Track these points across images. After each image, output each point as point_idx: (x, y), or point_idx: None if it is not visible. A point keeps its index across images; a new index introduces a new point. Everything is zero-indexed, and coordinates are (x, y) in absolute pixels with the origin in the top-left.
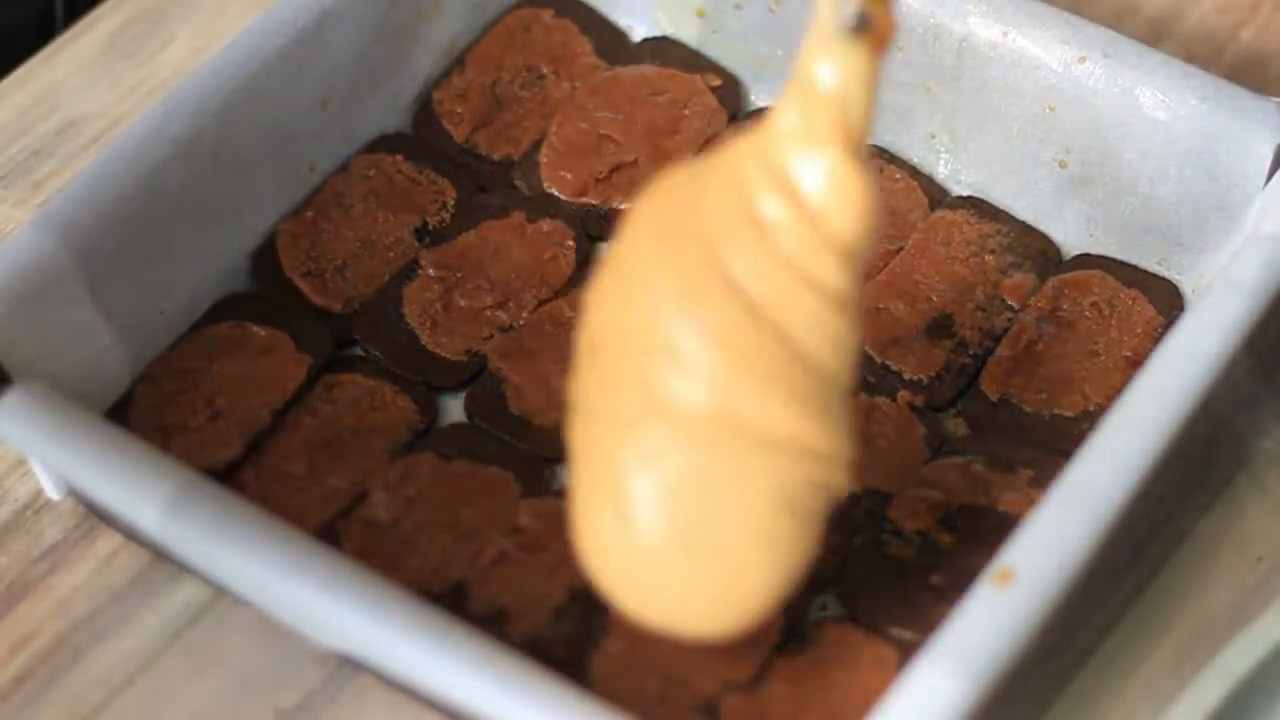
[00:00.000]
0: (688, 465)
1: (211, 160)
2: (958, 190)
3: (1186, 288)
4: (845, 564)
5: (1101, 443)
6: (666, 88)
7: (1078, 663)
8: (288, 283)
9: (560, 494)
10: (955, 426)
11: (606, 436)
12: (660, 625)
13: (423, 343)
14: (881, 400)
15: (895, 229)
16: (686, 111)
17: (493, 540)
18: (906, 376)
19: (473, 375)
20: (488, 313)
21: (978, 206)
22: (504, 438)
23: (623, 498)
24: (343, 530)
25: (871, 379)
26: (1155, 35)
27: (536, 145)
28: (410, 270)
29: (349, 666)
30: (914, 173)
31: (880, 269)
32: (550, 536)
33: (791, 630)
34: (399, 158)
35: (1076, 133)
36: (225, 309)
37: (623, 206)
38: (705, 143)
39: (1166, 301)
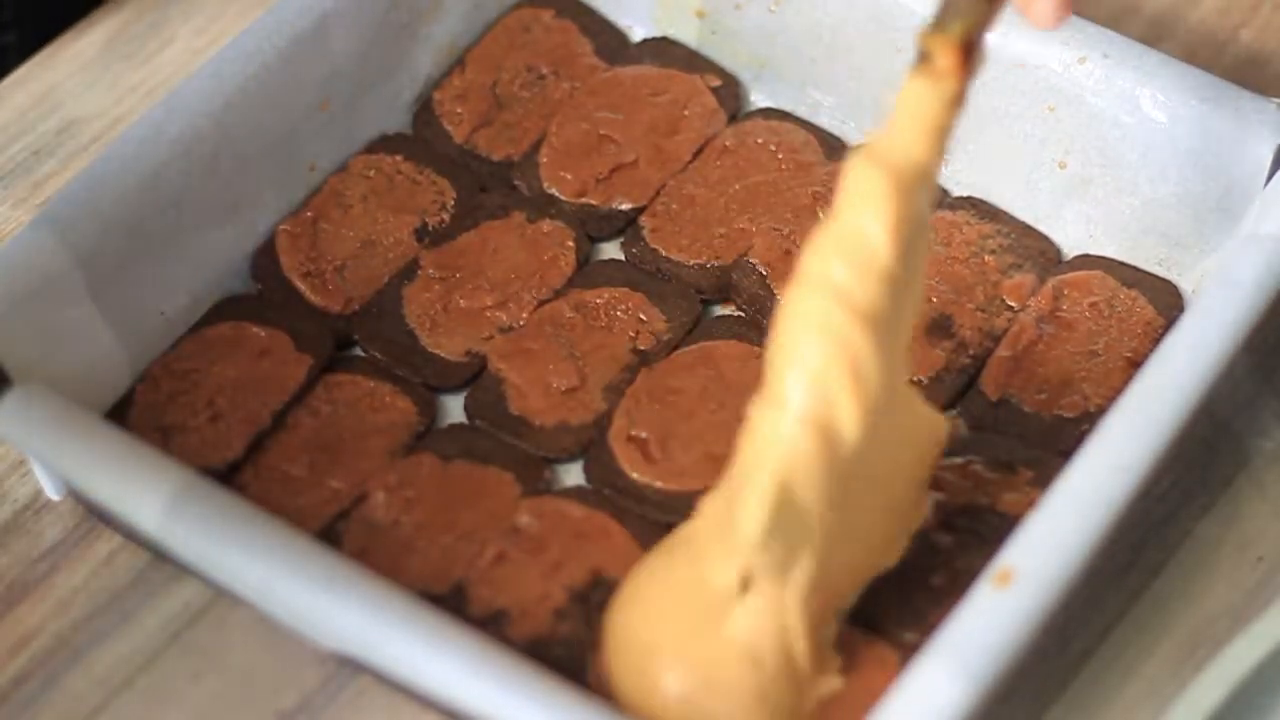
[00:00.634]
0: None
1: (211, 160)
2: (958, 190)
3: (1186, 288)
4: None
5: (1101, 443)
6: (666, 88)
7: (1078, 663)
8: (288, 283)
9: (560, 494)
10: (955, 426)
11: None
12: None
13: (423, 343)
14: None
15: None
16: (686, 111)
17: (493, 540)
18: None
19: (473, 375)
20: (488, 313)
21: (978, 207)
22: (504, 438)
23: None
24: (343, 531)
25: None
26: (1155, 35)
27: (536, 145)
28: (410, 270)
29: (349, 667)
30: None
31: None
32: (550, 537)
33: None
34: (399, 158)
35: (1076, 133)
36: (225, 309)
37: (623, 207)
38: (705, 143)
39: (1166, 301)
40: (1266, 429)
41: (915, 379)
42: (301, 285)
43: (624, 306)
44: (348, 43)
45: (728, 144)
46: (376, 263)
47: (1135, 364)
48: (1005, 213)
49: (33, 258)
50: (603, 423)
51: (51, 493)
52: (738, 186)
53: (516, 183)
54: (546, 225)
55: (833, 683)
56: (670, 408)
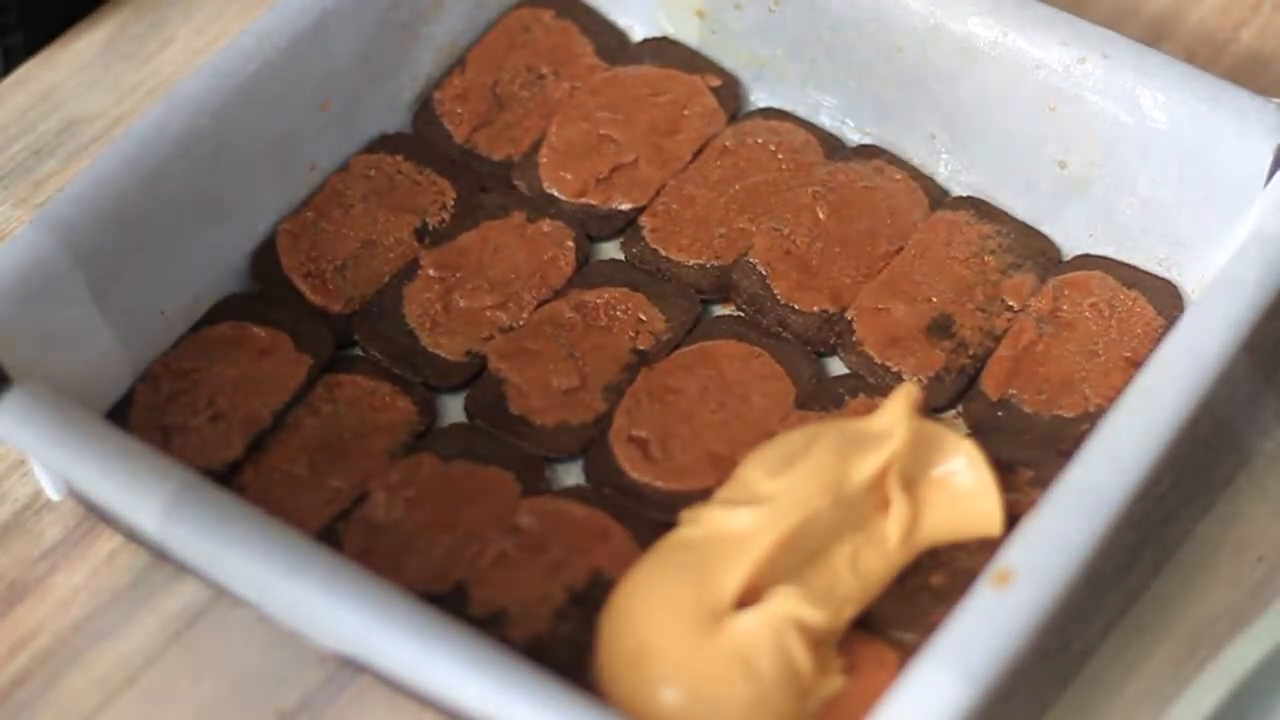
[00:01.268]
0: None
1: (211, 160)
2: (958, 190)
3: (1186, 288)
4: None
5: (1101, 443)
6: (666, 88)
7: (1078, 663)
8: (288, 283)
9: (560, 494)
10: (955, 426)
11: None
12: None
13: (423, 343)
14: (881, 401)
15: (895, 229)
16: (686, 111)
17: (493, 540)
18: (906, 376)
19: (473, 375)
20: (488, 313)
21: (978, 207)
22: (504, 438)
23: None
24: (343, 531)
25: (871, 379)
26: (1155, 35)
27: (536, 145)
28: (410, 270)
29: (349, 666)
30: (914, 173)
31: (880, 269)
32: (550, 537)
33: None
34: (399, 158)
35: (1076, 133)
36: (225, 309)
37: (623, 207)
38: (705, 143)
39: (1166, 302)
40: (1267, 429)
41: (915, 379)
42: (301, 285)
43: (624, 306)
44: (348, 43)
45: (728, 144)
46: (376, 263)
47: (1135, 364)
48: (1005, 213)
49: (33, 258)
50: (603, 423)
51: (51, 493)
52: (738, 186)
53: (516, 183)
54: (546, 225)
55: (834, 683)
56: (670, 408)
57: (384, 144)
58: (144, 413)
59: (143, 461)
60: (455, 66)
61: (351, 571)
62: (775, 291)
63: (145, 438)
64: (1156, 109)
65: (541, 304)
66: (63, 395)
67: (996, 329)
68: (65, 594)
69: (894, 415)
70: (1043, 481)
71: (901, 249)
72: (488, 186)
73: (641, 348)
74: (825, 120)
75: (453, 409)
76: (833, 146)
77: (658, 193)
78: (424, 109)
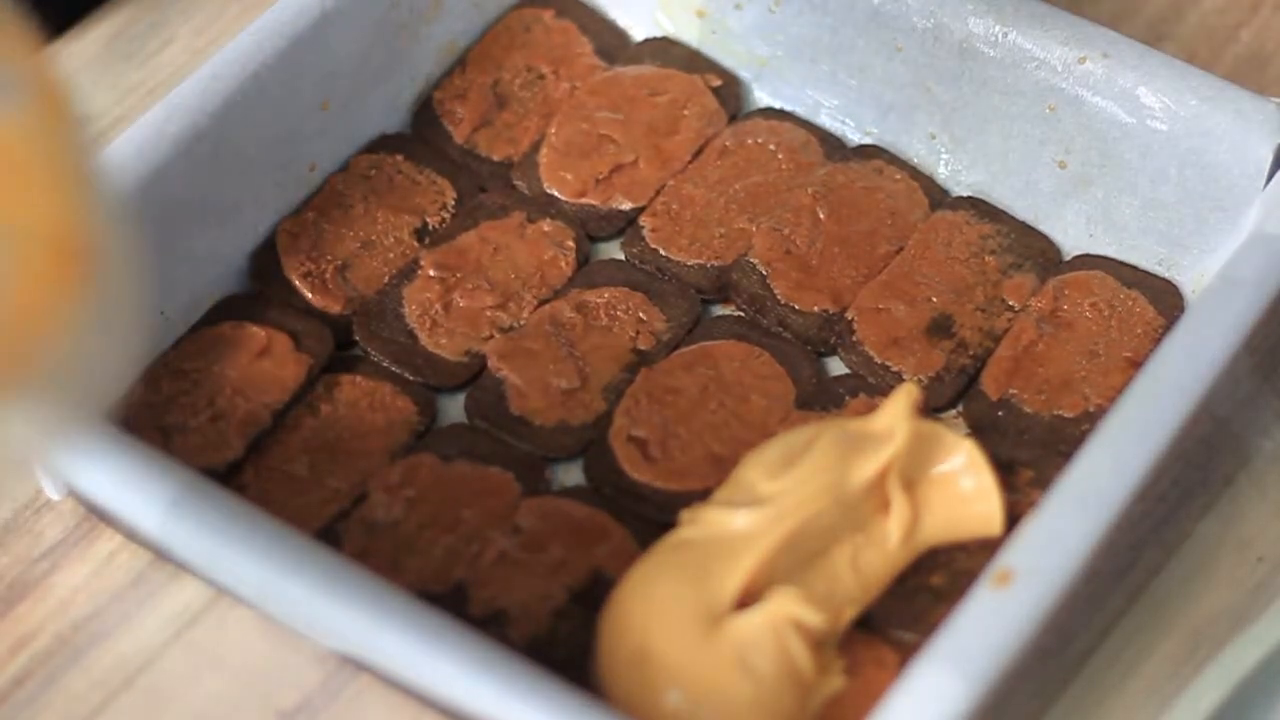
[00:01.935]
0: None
1: (211, 160)
2: (958, 190)
3: (1186, 288)
4: None
5: (1101, 443)
6: (666, 88)
7: (1078, 663)
8: (288, 283)
9: (560, 494)
10: (955, 426)
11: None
12: None
13: (423, 343)
14: (881, 401)
15: (895, 229)
16: (686, 111)
17: (493, 540)
18: (906, 376)
19: (473, 375)
20: (488, 313)
21: (978, 207)
22: (504, 438)
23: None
24: (343, 531)
25: (871, 379)
26: (1155, 35)
27: (536, 145)
28: (410, 270)
29: (349, 666)
30: (914, 173)
31: (880, 269)
32: (550, 537)
33: None
34: (399, 158)
35: (1076, 133)
36: (225, 309)
37: (623, 206)
38: (705, 143)
39: (1167, 302)
40: (1267, 429)
41: (915, 379)
42: (302, 285)
43: (624, 306)
44: (348, 43)
45: (728, 144)
46: (376, 263)
47: (1136, 364)
48: (1005, 213)
49: None
50: (603, 423)
51: (51, 492)
52: (738, 186)
53: (516, 183)
54: (546, 225)
55: (836, 683)
56: (670, 408)
57: (384, 144)
58: (144, 413)
59: (143, 461)
60: (455, 66)
61: (351, 571)
62: (775, 291)
63: (145, 438)
64: (1157, 109)
65: (541, 304)
66: None
67: (996, 329)
68: (65, 594)
69: (894, 415)
70: (1043, 481)
71: (902, 249)
72: (488, 186)
73: (642, 348)
74: (825, 120)
75: (453, 409)
76: (833, 146)
77: (658, 193)
78: (424, 109)
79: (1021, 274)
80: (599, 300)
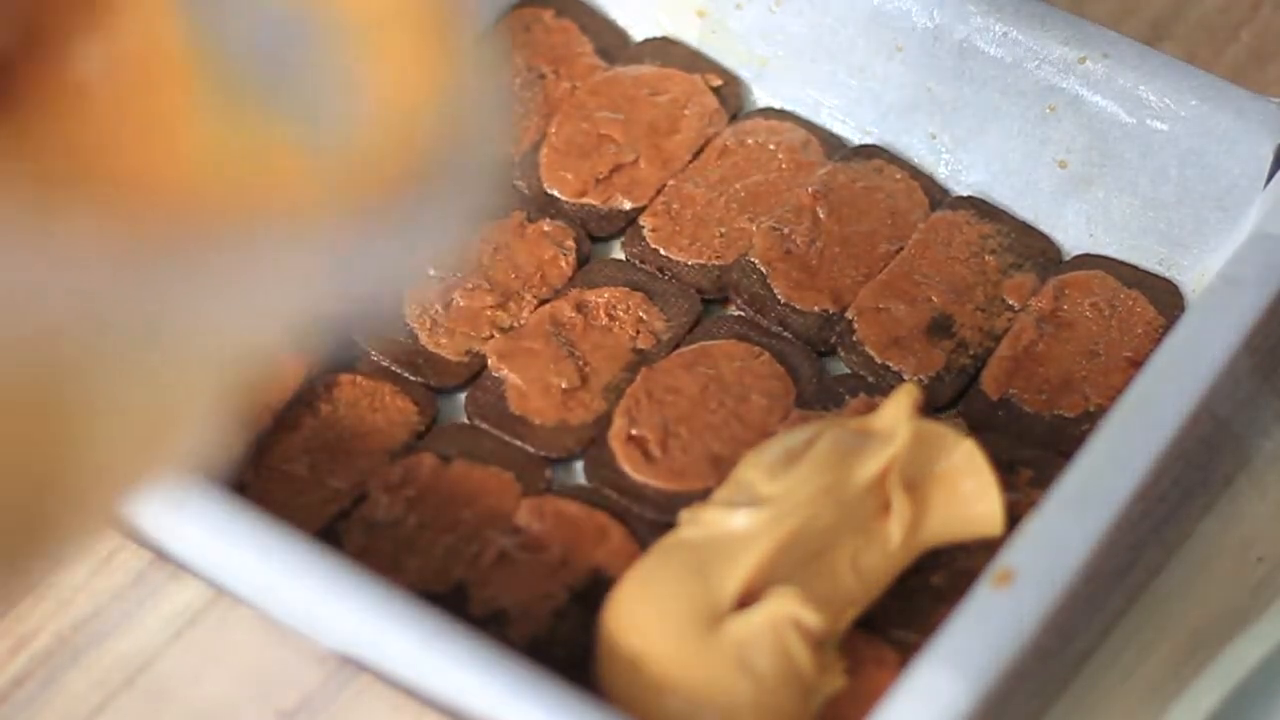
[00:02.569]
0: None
1: None
2: (958, 190)
3: (1187, 288)
4: None
5: (1102, 443)
6: (666, 88)
7: (1078, 663)
8: None
9: (560, 494)
10: (955, 426)
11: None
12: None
13: (423, 343)
14: (881, 401)
15: (895, 229)
16: (686, 111)
17: (493, 540)
18: (906, 376)
19: (473, 375)
20: (488, 312)
21: (978, 207)
22: (504, 438)
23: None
24: (343, 531)
25: (871, 379)
26: (1155, 35)
27: (537, 145)
28: None
29: (349, 666)
30: (914, 173)
31: (880, 269)
32: (551, 536)
33: None
34: None
35: (1077, 133)
36: None
37: (623, 206)
38: (705, 142)
39: (1167, 301)
40: (1267, 429)
41: (915, 379)
42: None
43: (624, 306)
44: None
45: (728, 143)
46: None
47: (1136, 364)
48: (1005, 212)
49: None
50: (603, 423)
51: None
52: (738, 186)
53: (516, 182)
54: (546, 225)
55: (837, 683)
56: (670, 408)
57: None
58: None
59: None
60: None
61: (351, 571)
62: (775, 291)
63: None
64: (1157, 108)
65: (542, 304)
66: None
67: (997, 329)
68: (65, 593)
69: (895, 415)
70: (1043, 481)
71: (902, 249)
72: None
73: (642, 347)
74: (825, 120)
75: (453, 409)
76: (833, 146)
77: (658, 192)
78: None
79: (1022, 274)
80: (599, 300)
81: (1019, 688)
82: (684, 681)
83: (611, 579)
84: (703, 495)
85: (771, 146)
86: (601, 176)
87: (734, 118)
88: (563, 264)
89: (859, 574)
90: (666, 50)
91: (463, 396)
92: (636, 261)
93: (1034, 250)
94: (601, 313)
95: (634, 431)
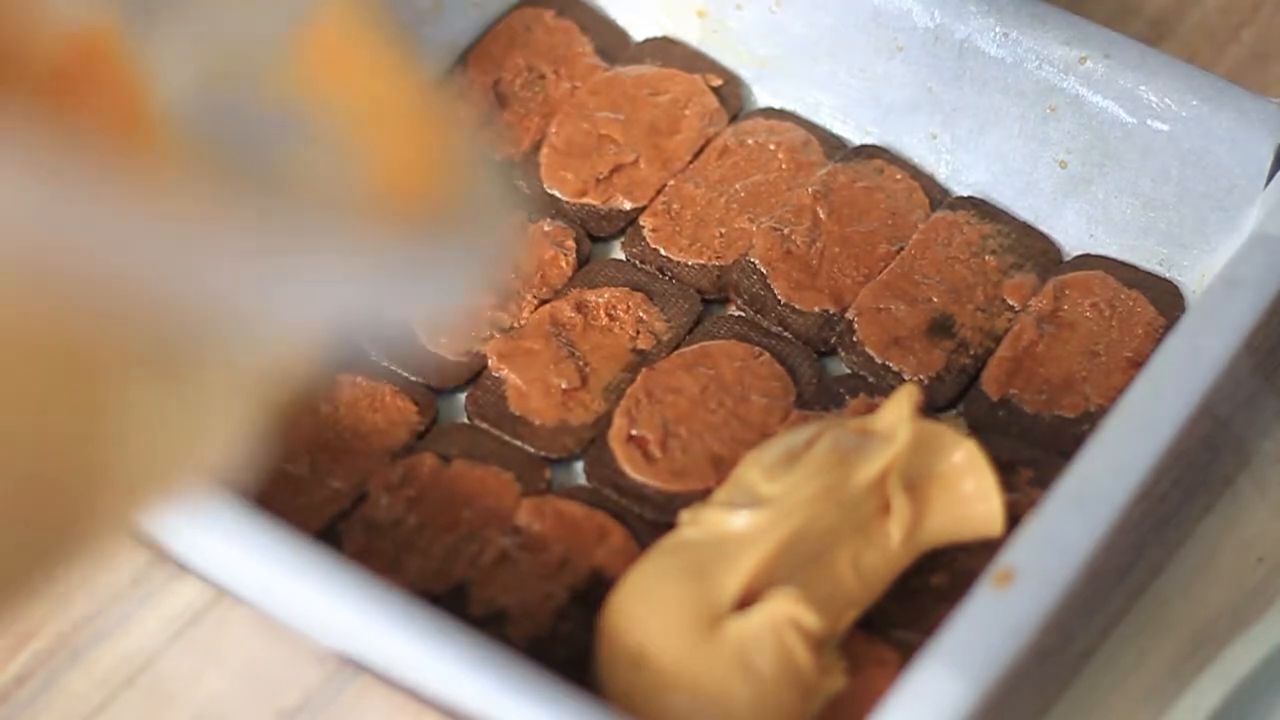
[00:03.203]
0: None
1: None
2: (958, 190)
3: (1187, 288)
4: None
5: (1102, 443)
6: (666, 88)
7: (1078, 663)
8: None
9: (560, 494)
10: (956, 426)
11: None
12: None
13: (422, 343)
14: (881, 401)
15: (896, 229)
16: (687, 111)
17: (493, 540)
18: (906, 376)
19: (473, 375)
20: (488, 313)
21: (978, 207)
22: (504, 438)
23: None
24: (343, 531)
25: (871, 379)
26: (1155, 35)
27: (537, 145)
28: None
29: (349, 666)
30: (915, 173)
31: (880, 269)
32: (551, 536)
33: None
34: None
35: (1077, 133)
36: None
37: (623, 206)
38: (706, 142)
39: (1167, 302)
40: (1267, 429)
41: (915, 379)
42: None
43: (624, 306)
44: None
45: (728, 143)
46: None
47: (1136, 364)
48: (1006, 213)
49: None
50: (603, 423)
51: None
52: (738, 186)
53: (517, 182)
54: (546, 225)
55: (837, 683)
56: (670, 408)
57: None
58: None
59: None
60: (456, 66)
61: (351, 571)
62: (775, 291)
63: None
64: (1158, 109)
65: (542, 304)
66: None
67: (997, 329)
68: (65, 593)
69: (895, 416)
70: (1043, 481)
71: (902, 249)
72: None
73: (642, 348)
74: (825, 120)
75: (453, 409)
76: (833, 146)
77: (658, 192)
78: None
79: (1022, 274)
80: (599, 300)
81: (1019, 688)
82: (684, 682)
83: (611, 579)
84: (703, 495)
85: (772, 146)
86: (602, 176)
87: (734, 118)
88: (563, 264)
89: (859, 574)
90: (667, 50)
91: (463, 396)
92: (636, 262)
93: (1034, 250)
94: (601, 313)
95: (634, 432)
